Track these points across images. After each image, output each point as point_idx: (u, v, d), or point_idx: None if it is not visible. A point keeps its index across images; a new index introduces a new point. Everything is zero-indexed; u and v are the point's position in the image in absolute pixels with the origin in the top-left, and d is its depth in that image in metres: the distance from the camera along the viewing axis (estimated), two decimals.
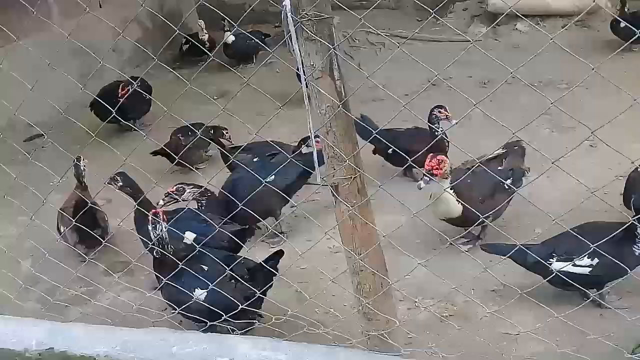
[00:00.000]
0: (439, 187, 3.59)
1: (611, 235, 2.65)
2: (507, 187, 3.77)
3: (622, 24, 6.28)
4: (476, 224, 3.63)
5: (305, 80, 2.34)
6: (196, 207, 4.17)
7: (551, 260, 3.24)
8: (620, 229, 2.83)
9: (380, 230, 3.85)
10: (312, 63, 2.32)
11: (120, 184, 4.17)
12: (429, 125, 4.55)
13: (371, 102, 6.23)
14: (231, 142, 5.57)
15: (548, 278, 2.97)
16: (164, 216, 3.34)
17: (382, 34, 7.62)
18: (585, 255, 3.14)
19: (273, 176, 4.17)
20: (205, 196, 4.14)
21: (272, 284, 3.38)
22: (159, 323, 3.30)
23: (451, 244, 3.92)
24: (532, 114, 5.50)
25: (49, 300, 3.53)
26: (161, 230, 3.29)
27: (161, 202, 4.04)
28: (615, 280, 3.09)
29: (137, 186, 4.18)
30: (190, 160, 5.58)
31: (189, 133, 5.58)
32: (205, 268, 3.30)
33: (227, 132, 5.60)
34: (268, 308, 3.37)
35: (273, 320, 2.98)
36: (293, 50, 2.33)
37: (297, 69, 2.37)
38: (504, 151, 3.98)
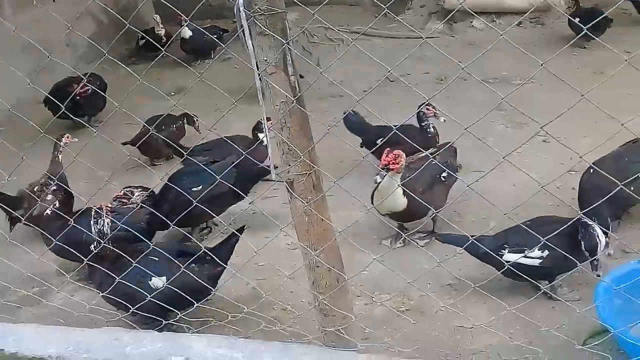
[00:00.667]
0: (387, 182, 3.60)
1: (561, 229, 2.69)
2: (443, 179, 3.84)
3: (576, 20, 6.42)
4: (430, 216, 3.66)
5: (259, 75, 2.32)
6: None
7: (503, 251, 3.29)
8: (569, 223, 2.88)
9: (336, 226, 3.86)
10: (265, 58, 2.30)
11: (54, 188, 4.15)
12: (419, 123, 4.60)
13: (330, 98, 6.24)
14: (199, 131, 5.62)
15: (501, 270, 3.01)
16: (107, 211, 3.38)
17: (340, 30, 7.64)
18: (535, 248, 3.20)
19: (200, 186, 4.12)
20: (151, 200, 4.14)
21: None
22: (112, 323, 3.25)
23: (407, 239, 3.97)
24: (486, 109, 5.60)
25: None
26: (102, 225, 3.33)
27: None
28: (566, 272, 3.16)
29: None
30: (159, 153, 5.53)
31: (162, 126, 5.50)
32: (156, 258, 3.29)
33: (197, 120, 5.64)
34: (224, 306, 3.34)
35: (229, 317, 2.95)
36: (246, 45, 2.31)
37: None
38: (433, 150, 4.07)
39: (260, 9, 2.23)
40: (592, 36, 2.55)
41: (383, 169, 3.52)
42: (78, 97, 5.90)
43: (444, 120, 4.50)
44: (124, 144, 5.33)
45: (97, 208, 3.38)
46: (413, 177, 3.49)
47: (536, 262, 3.20)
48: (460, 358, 2.97)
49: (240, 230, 3.45)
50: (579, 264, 2.55)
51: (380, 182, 3.63)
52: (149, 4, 8.43)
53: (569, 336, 2.91)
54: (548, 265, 2.99)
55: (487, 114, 4.07)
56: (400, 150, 3.59)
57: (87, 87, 6.02)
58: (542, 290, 2.90)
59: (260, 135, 4.90)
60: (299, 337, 2.77)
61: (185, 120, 5.70)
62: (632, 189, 3.04)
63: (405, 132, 4.39)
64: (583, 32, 2.30)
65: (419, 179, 3.66)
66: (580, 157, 2.55)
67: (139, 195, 4.07)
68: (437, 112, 4.55)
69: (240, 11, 2.24)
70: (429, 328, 3.19)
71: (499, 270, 3.01)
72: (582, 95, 2.17)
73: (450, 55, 6.37)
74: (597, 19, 5.72)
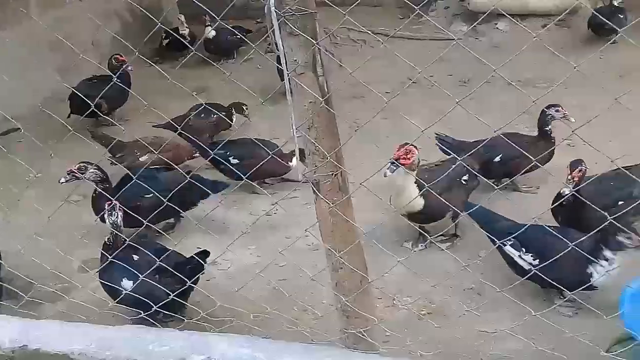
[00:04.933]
0: (404, 179, 3.57)
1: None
2: (464, 182, 3.80)
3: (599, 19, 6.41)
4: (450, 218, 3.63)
5: (287, 75, 2.32)
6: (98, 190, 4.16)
7: (507, 242, 3.31)
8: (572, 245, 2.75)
9: (360, 227, 3.85)
10: (294, 58, 2.30)
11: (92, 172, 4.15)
12: (542, 127, 4.29)
13: (352, 99, 6.22)
14: (249, 118, 5.63)
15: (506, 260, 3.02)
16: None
17: (363, 30, 7.61)
18: (530, 254, 3.21)
19: (150, 195, 4.03)
20: (104, 184, 4.14)
21: (197, 280, 3.40)
22: (136, 320, 3.27)
23: (429, 241, 3.95)
24: (511, 112, 5.57)
25: (23, 297, 3.47)
26: (117, 217, 3.43)
27: (62, 180, 4.11)
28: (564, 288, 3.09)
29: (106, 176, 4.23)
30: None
31: (201, 114, 5.50)
32: (136, 258, 3.35)
33: (246, 108, 5.62)
34: (245, 305, 3.35)
35: (251, 317, 2.95)
36: (276, 45, 2.31)
37: (278, 65, 2.35)
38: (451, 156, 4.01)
39: (290, 9, 2.23)
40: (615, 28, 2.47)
41: (393, 163, 3.49)
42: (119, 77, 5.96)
43: (574, 121, 4.30)
44: (156, 126, 5.31)
45: (112, 206, 3.46)
46: (430, 178, 3.47)
47: (526, 266, 3.18)
48: None
49: (203, 255, 3.37)
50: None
51: (393, 178, 3.58)
52: (173, 4, 8.48)
53: (593, 342, 2.88)
54: (538, 274, 2.85)
55: (515, 117, 4.05)
56: (412, 146, 3.55)
57: (127, 65, 6.13)
58: (567, 297, 2.86)
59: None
60: (319, 339, 2.76)
61: (233, 110, 5.64)
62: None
63: (520, 142, 4.10)
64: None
65: (438, 180, 3.63)
66: (612, 160, 2.52)
67: (92, 172, 4.09)
68: (567, 113, 4.24)
69: (271, 11, 2.24)
70: (451, 332, 3.17)
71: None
72: (616, 99, 2.14)
73: (475, 58, 6.36)
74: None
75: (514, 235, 3.24)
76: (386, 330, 3.12)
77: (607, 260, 3.08)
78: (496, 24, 7.33)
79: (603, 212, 3.29)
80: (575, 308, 3.18)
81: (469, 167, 3.80)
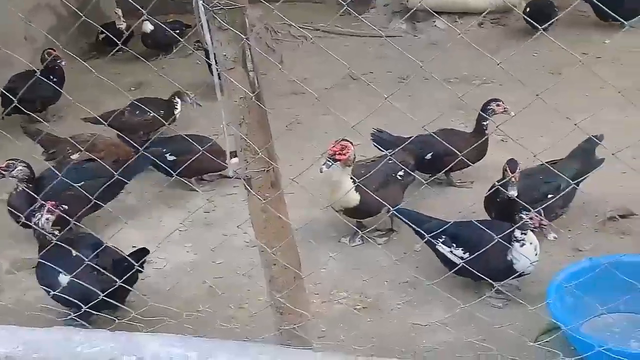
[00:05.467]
0: (340, 175, 3.59)
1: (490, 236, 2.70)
2: (399, 177, 3.84)
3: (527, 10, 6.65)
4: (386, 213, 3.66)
5: (217, 71, 2.29)
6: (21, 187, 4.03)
7: (439, 240, 3.37)
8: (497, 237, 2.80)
9: (295, 223, 3.84)
10: (224, 53, 2.27)
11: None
12: (480, 122, 4.28)
13: (291, 95, 6.21)
14: (199, 104, 5.46)
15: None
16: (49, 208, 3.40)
17: (303, 27, 7.62)
18: (460, 248, 3.28)
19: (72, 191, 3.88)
20: (29, 183, 4.01)
21: (136, 279, 3.33)
22: (68, 321, 3.18)
23: (365, 236, 3.97)
24: (446, 109, 5.68)
25: None
26: (41, 218, 3.36)
27: None
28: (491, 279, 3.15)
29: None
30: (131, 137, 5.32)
31: (137, 111, 5.33)
32: (74, 254, 3.27)
33: (192, 97, 5.44)
34: (179, 304, 3.31)
35: (184, 316, 2.92)
36: (205, 39, 2.29)
37: (208, 60, 2.32)
38: (388, 150, 4.04)
39: (219, 3, 2.20)
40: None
41: (329, 159, 3.50)
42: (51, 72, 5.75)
43: (514, 115, 4.32)
44: (84, 119, 5.14)
45: (40, 206, 3.37)
46: (366, 173, 3.50)
47: (457, 260, 3.24)
48: (415, 355, 2.98)
49: (140, 254, 3.27)
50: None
51: (329, 174, 3.59)
52: None
53: (522, 333, 2.96)
54: (468, 267, 2.91)
55: (446, 114, 4.10)
56: (348, 142, 3.56)
57: (60, 60, 5.95)
58: (495, 289, 2.92)
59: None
60: (255, 336, 2.75)
61: (176, 98, 5.45)
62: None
63: (454, 138, 4.18)
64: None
65: (373, 175, 3.66)
66: (534, 155, 2.59)
67: (20, 169, 3.97)
68: (507, 107, 4.25)
69: (199, 5, 2.21)
70: (386, 326, 3.20)
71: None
72: (537, 95, 2.20)
73: (413, 55, 6.42)
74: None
75: (441, 231, 3.29)
76: (321, 326, 3.15)
77: (518, 241, 3.13)
78: (434, 22, 7.43)
79: (533, 206, 3.42)
80: (505, 300, 3.26)
81: (398, 163, 3.82)
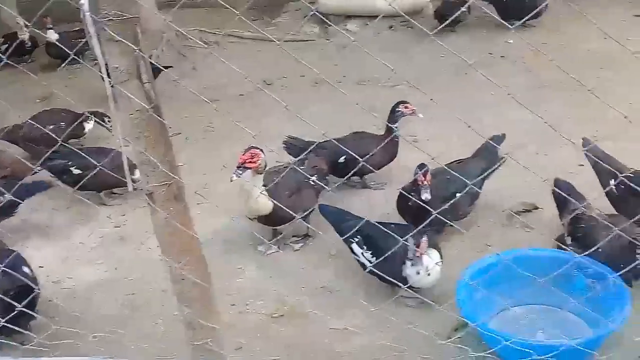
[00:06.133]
0: (252, 183, 3.56)
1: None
2: (313, 183, 3.84)
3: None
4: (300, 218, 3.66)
5: (110, 83, 2.22)
6: None
7: (353, 240, 3.40)
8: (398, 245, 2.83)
9: (210, 233, 3.79)
10: (116, 66, 2.20)
11: None
12: (390, 123, 4.28)
13: (205, 104, 6.11)
14: (109, 129, 5.23)
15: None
16: None
17: (215, 32, 7.54)
18: (370, 251, 3.32)
19: None
20: None
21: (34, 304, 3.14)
22: None
23: (282, 243, 3.96)
24: (359, 111, 5.73)
25: None
26: None
27: None
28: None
29: None
30: (35, 150, 5.07)
31: (37, 124, 5.06)
32: None
33: (108, 120, 5.22)
34: (89, 325, 3.19)
35: (94, 338, 2.81)
36: (94, 51, 2.21)
37: (100, 72, 2.24)
38: (303, 157, 4.04)
39: (108, 14, 2.13)
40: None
41: (239, 167, 3.46)
42: None
43: (422, 117, 4.39)
44: None
45: None
46: (278, 180, 3.48)
47: (367, 262, 3.29)
48: None
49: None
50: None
51: (242, 183, 3.55)
52: (13, 6, 7.92)
53: (435, 331, 3.02)
54: (375, 269, 2.95)
55: (360, 116, 4.12)
56: (258, 150, 3.53)
57: None
58: (400, 292, 2.94)
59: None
60: (168, 354, 2.68)
61: (92, 118, 5.26)
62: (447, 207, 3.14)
63: (366, 141, 4.27)
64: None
65: (286, 182, 3.65)
66: (432, 158, 2.65)
67: None
68: (415, 109, 4.28)
69: (86, 17, 2.13)
70: (304, 333, 3.20)
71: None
72: (431, 99, 2.24)
73: (326, 59, 6.55)
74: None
75: (357, 230, 3.29)
76: (238, 337, 3.10)
77: (410, 259, 3.12)
78: (346, 25, 7.51)
79: (443, 204, 3.48)
80: (419, 300, 3.30)
81: (300, 170, 3.82)
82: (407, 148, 4.75)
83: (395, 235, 2.62)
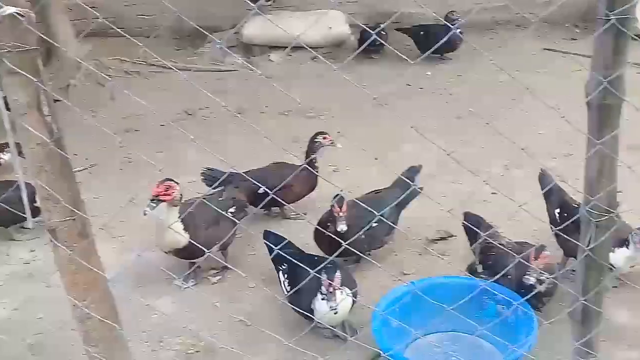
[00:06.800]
0: (167, 216, 3.48)
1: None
2: (231, 214, 3.81)
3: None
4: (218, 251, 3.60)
5: (8, 116, 2.14)
6: None
7: (280, 268, 3.44)
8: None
9: (127, 268, 3.68)
10: (15, 98, 2.12)
11: None
12: (310, 154, 4.31)
13: (124, 133, 6.01)
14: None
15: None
16: None
17: (137, 62, 7.44)
18: (287, 280, 3.33)
19: None
20: None
21: None
22: None
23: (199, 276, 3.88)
24: (281, 141, 5.74)
25: None
26: None
27: None
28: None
29: None
30: None
31: None
32: None
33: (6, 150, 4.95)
34: None
35: None
36: None
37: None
38: (220, 188, 4.02)
39: (6, 45, 2.06)
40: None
41: (152, 200, 3.39)
42: None
43: (341, 147, 4.39)
44: None
45: None
46: (195, 212, 3.42)
47: (285, 292, 3.29)
48: None
49: None
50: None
51: (156, 216, 3.47)
52: None
53: None
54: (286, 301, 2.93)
55: (282, 146, 4.13)
56: (173, 182, 3.47)
57: None
58: (314, 323, 2.92)
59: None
60: None
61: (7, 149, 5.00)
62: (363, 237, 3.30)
63: (286, 172, 4.12)
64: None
65: (202, 214, 3.60)
66: (341, 190, 2.67)
67: None
68: (333, 139, 4.30)
69: None
70: None
71: None
72: (338, 132, 2.26)
73: (249, 89, 6.55)
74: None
75: (285, 258, 3.30)
76: None
77: (322, 294, 3.06)
78: (269, 55, 7.56)
79: (360, 234, 3.51)
80: (347, 330, 3.30)
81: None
82: (328, 178, 4.80)
83: (307, 268, 2.61)
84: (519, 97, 6.03)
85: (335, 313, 3.05)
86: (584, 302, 2.31)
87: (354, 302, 3.18)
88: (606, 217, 2.18)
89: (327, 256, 3.64)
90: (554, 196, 3.68)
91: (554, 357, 2.95)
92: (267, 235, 3.67)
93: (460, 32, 6.94)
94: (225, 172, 4.34)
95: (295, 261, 2.80)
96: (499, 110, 5.86)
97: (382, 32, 7.28)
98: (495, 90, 6.18)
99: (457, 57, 7.21)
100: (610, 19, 1.96)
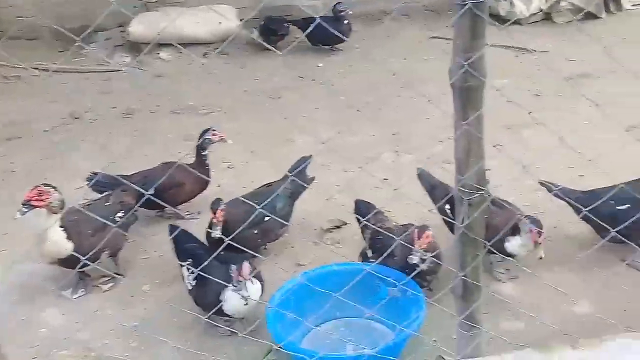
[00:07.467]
0: (46, 223, 3.31)
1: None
2: (118, 219, 3.69)
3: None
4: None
5: None
6: None
7: (184, 263, 3.34)
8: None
9: (11, 282, 3.48)
10: None
11: None
12: (200, 152, 4.22)
13: (8, 141, 5.69)
14: None
15: None
16: None
17: (17, 66, 7.06)
18: (193, 275, 3.23)
19: None
20: None
21: None
22: None
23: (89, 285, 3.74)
24: (173, 141, 5.62)
25: None
26: None
27: None
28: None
29: None
30: None
31: None
32: None
33: None
34: None
35: None
36: None
37: None
38: (108, 192, 3.91)
39: None
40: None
41: (24, 205, 3.23)
42: None
43: (232, 142, 4.30)
44: None
45: None
46: (80, 219, 3.29)
47: (189, 286, 3.25)
48: None
49: None
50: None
51: (31, 223, 3.31)
52: None
53: (254, 357, 3.01)
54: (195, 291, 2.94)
55: (174, 146, 4.03)
56: (49, 187, 3.31)
57: None
58: (204, 318, 2.88)
59: None
60: None
61: None
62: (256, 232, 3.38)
63: (176, 171, 3.91)
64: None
65: (87, 221, 3.45)
66: (219, 185, 2.64)
67: None
68: (223, 135, 4.23)
69: None
70: None
71: None
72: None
73: (139, 88, 6.34)
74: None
75: (191, 253, 3.29)
76: None
77: (234, 285, 3.05)
78: (158, 53, 7.37)
79: (253, 229, 3.50)
80: (244, 327, 3.27)
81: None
82: (222, 174, 4.75)
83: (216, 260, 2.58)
84: (408, 85, 6.18)
85: (245, 304, 3.05)
86: (463, 277, 2.40)
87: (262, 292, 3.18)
88: (477, 194, 2.27)
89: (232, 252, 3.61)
90: (438, 190, 3.75)
91: (441, 333, 3.04)
92: (173, 230, 3.58)
93: (349, 23, 7.05)
94: (111, 176, 4.22)
95: (201, 254, 2.76)
96: (389, 98, 5.99)
97: (285, 24, 7.32)
98: (385, 79, 6.30)
99: (347, 48, 7.30)
100: (466, 4, 2.04)
